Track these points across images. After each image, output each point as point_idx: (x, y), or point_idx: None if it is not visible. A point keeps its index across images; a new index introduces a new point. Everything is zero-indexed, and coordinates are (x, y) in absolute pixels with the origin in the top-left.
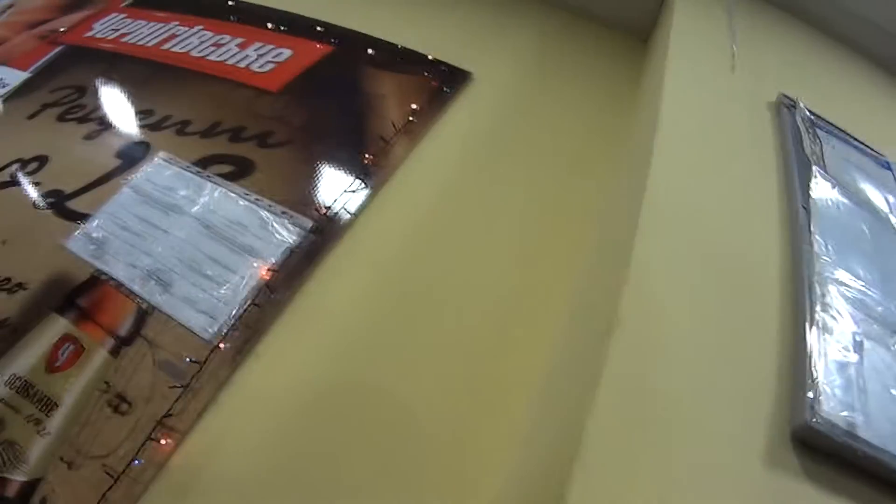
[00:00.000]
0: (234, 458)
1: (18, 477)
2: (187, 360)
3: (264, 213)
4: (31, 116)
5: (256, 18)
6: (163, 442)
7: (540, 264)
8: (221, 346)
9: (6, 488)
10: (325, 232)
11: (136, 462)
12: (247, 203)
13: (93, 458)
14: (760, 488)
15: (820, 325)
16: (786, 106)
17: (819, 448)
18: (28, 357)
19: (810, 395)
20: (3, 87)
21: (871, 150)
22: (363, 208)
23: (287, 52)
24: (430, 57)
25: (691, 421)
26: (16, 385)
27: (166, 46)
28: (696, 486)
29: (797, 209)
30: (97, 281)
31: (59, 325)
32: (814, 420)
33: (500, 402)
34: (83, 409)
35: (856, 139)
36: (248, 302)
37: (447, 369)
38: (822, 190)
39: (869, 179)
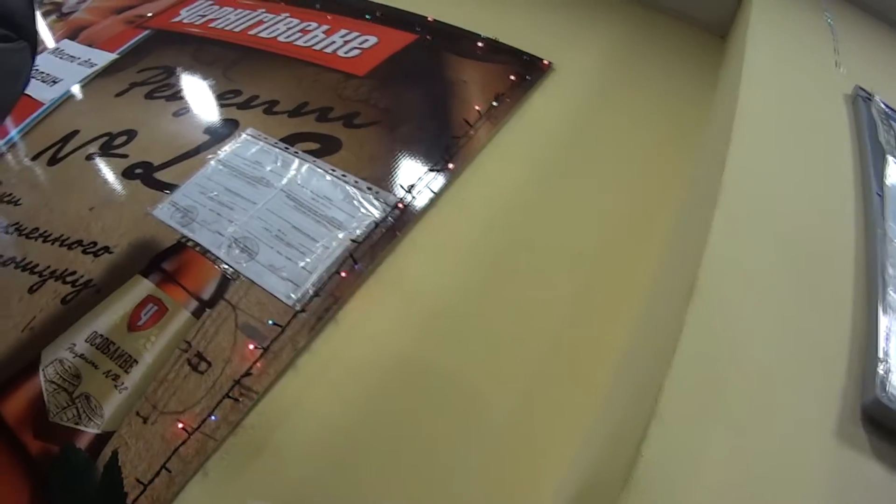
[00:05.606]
0: (308, 420)
1: (91, 429)
2: (269, 322)
3: (350, 189)
4: (119, 94)
5: (341, 7)
6: (239, 401)
7: (620, 244)
8: (303, 311)
9: (79, 439)
10: (408, 208)
11: (212, 418)
12: (333, 178)
13: (168, 413)
14: (829, 464)
15: (893, 305)
16: (862, 98)
17: (888, 425)
18: (110, 316)
19: (881, 370)
20: (91, 66)
21: None
22: (446, 188)
23: (373, 39)
24: (512, 46)
25: (763, 390)
26: (96, 342)
27: (254, 32)
28: (766, 454)
29: (872, 196)
30: (183, 247)
31: (143, 287)
32: (884, 395)
33: (579, 370)
34: (162, 367)
35: None
36: (332, 271)
37: (526, 342)
38: None
39: None
